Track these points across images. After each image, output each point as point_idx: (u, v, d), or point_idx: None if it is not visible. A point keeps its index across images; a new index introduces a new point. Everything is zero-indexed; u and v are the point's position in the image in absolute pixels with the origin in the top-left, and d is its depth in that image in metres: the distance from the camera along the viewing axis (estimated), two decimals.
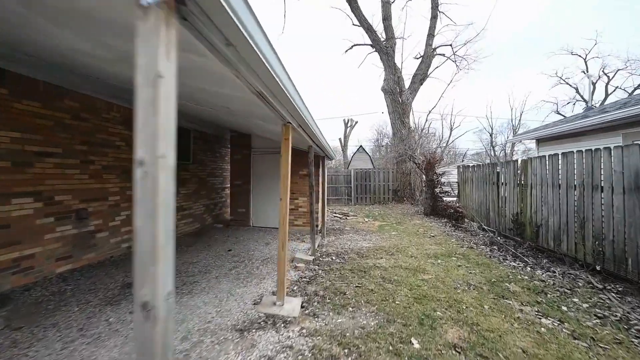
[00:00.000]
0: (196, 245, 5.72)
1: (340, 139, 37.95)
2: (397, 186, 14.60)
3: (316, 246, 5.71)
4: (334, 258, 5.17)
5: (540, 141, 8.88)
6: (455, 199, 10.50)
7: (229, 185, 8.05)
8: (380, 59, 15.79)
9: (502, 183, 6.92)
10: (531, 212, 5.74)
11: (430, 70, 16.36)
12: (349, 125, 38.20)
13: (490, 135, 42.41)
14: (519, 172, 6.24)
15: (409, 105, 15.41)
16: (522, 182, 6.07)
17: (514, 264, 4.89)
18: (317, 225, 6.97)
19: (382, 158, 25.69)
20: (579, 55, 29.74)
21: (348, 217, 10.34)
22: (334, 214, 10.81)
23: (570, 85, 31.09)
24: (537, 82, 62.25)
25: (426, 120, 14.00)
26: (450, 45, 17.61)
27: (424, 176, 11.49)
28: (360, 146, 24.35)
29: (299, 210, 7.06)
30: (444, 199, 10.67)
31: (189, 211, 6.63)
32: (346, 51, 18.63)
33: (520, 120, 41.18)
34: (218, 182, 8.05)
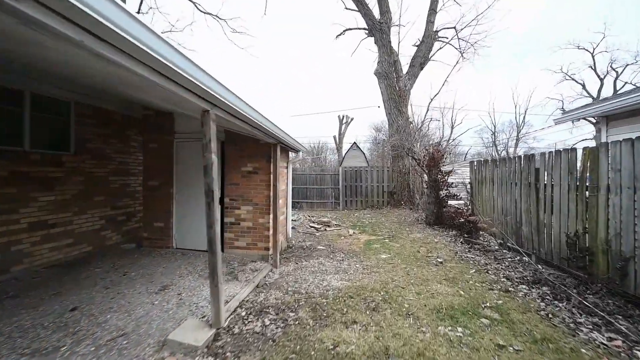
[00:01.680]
0: (41, 290, 3.40)
1: (334, 137, 35.64)
2: (394, 187, 12.30)
3: (245, 297, 3.38)
4: (261, 328, 2.81)
5: (611, 120, 5.53)
6: (460, 202, 8.21)
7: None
8: (374, 38, 13.50)
9: (546, 184, 4.62)
10: (607, 232, 3.44)
11: (431, 53, 14.11)
12: (344, 122, 35.89)
13: (493, 134, 40.16)
14: (579, 167, 3.94)
15: (407, 92, 13.12)
16: (591, 183, 3.76)
17: (604, 340, 2.57)
18: (267, 248, 4.66)
19: (379, 155, 23.31)
20: (586, 50, 27.58)
21: (328, 228, 8.02)
22: (311, 224, 8.49)
23: (576, 82, 28.87)
24: (541, 78, 59.84)
25: (427, 110, 11.66)
26: (454, 27, 15.33)
27: (425, 175, 9.19)
28: (354, 143, 21.99)
29: (240, 224, 4.74)
30: (450, 202, 8.38)
31: (64, 227, 4.30)
32: (337, 37, 16.36)
33: (524, 117, 39.02)
34: (130, 182, 5.71)
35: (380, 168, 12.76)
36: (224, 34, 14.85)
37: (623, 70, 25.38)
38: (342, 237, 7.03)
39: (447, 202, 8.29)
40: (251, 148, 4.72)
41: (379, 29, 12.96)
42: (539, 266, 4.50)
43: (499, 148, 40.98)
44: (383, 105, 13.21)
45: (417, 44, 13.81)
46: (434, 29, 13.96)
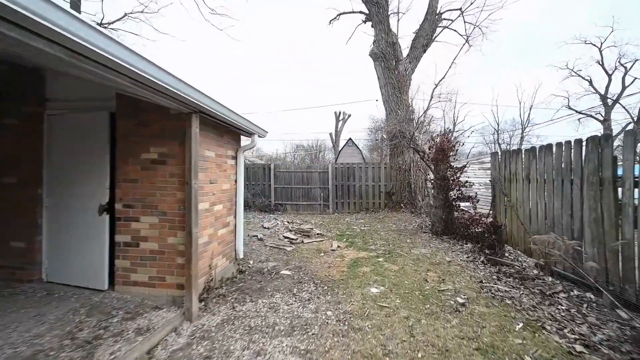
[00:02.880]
0: None
1: (330, 134, 33.86)
2: (392, 187, 10.49)
3: None
4: None
5: None
6: (467, 204, 6.41)
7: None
8: (369, 13, 11.72)
9: (637, 179, 2.82)
10: None
11: (435, 34, 12.32)
12: (340, 118, 34.10)
13: (497, 131, 38.24)
14: None
15: (408, 77, 11.33)
16: None
17: None
18: (181, 286, 2.84)
19: (374, 148, 21.41)
20: (594, 45, 25.81)
21: (306, 240, 6.21)
22: (287, 233, 6.67)
23: (583, 78, 27.02)
24: (546, 75, 57.88)
25: (431, 97, 9.85)
26: (460, 9, 13.51)
27: (430, 172, 7.39)
28: (350, 139, 20.23)
29: (139, 246, 2.94)
30: (460, 205, 6.59)
31: None
32: (331, 21, 14.61)
33: (529, 114, 37.22)
34: None
35: (376, 165, 10.95)
36: (201, 14, 12.97)
37: (632, 65, 23.58)
38: (322, 254, 5.22)
39: (459, 205, 6.49)
40: (157, 122, 2.92)
41: (375, 2, 11.16)
42: (624, 313, 2.71)
43: (502, 147, 39.24)
44: (380, 92, 11.41)
45: (414, 32, 12.01)
46: (438, 9, 12.17)
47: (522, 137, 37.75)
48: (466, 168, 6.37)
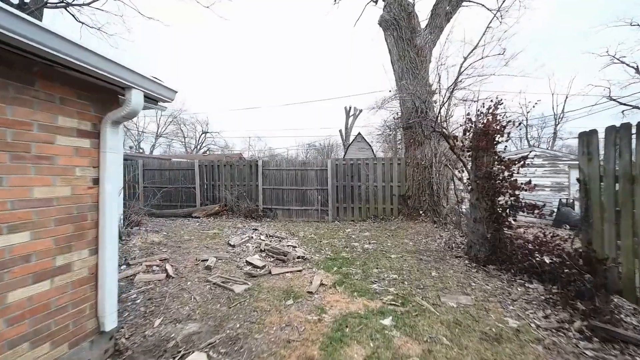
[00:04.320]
0: None
1: (340, 131, 31.68)
2: (408, 189, 8.24)
3: None
4: None
5: None
6: (530, 218, 4.11)
7: None
8: None
9: None
10: None
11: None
12: (351, 114, 31.83)
13: (526, 127, 34.50)
14: None
15: (428, 51, 9.01)
16: None
17: None
18: None
19: (383, 138, 18.89)
20: None
21: (276, 271, 4.09)
22: (257, 255, 4.58)
23: (627, 65, 23.20)
24: (581, 63, 52.34)
25: (459, 71, 7.50)
26: None
27: (463, 168, 5.11)
28: (359, 134, 18.00)
29: None
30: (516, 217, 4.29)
31: None
32: (336, 1, 12.53)
33: (564, 107, 33.38)
34: None
35: (387, 161, 8.71)
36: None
37: None
38: (290, 303, 3.12)
39: (514, 218, 4.20)
40: None
41: None
42: None
43: (531, 143, 35.49)
44: (392, 69, 9.15)
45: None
46: None
47: (554, 133, 34.06)
48: (528, 159, 4.06)
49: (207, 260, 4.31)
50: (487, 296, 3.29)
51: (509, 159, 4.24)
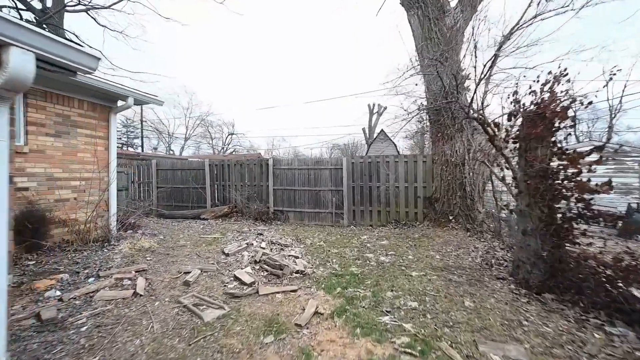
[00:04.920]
0: None
1: (364, 129, 30.51)
2: (435, 190, 7.14)
3: None
4: None
5: None
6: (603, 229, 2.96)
7: None
8: None
9: None
10: None
11: None
12: (375, 111, 30.55)
13: (574, 121, 30.78)
14: None
15: (460, 32, 7.84)
16: None
17: None
18: None
19: (415, 142, 17.50)
20: None
21: (264, 291, 3.35)
22: (248, 267, 3.87)
23: None
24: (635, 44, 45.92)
25: (501, 44, 6.29)
26: None
27: (505, 164, 4.01)
28: (382, 131, 16.87)
29: None
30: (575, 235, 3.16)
31: None
32: None
33: (621, 99, 29.07)
34: None
35: (410, 158, 7.65)
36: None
37: None
38: (268, 341, 2.36)
39: (584, 232, 3.08)
40: None
41: None
42: None
43: (580, 139, 31.57)
44: (415, 51, 8.07)
45: None
46: None
47: (609, 127, 29.97)
48: (605, 155, 2.92)
49: (190, 273, 3.69)
50: (549, 345, 2.28)
51: (574, 150, 3.13)
